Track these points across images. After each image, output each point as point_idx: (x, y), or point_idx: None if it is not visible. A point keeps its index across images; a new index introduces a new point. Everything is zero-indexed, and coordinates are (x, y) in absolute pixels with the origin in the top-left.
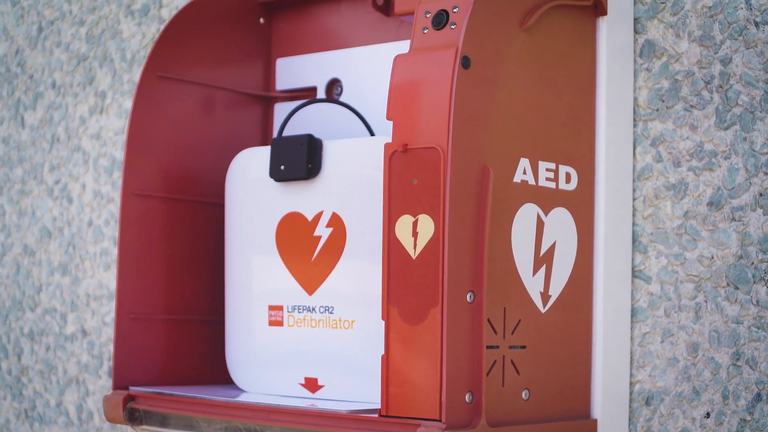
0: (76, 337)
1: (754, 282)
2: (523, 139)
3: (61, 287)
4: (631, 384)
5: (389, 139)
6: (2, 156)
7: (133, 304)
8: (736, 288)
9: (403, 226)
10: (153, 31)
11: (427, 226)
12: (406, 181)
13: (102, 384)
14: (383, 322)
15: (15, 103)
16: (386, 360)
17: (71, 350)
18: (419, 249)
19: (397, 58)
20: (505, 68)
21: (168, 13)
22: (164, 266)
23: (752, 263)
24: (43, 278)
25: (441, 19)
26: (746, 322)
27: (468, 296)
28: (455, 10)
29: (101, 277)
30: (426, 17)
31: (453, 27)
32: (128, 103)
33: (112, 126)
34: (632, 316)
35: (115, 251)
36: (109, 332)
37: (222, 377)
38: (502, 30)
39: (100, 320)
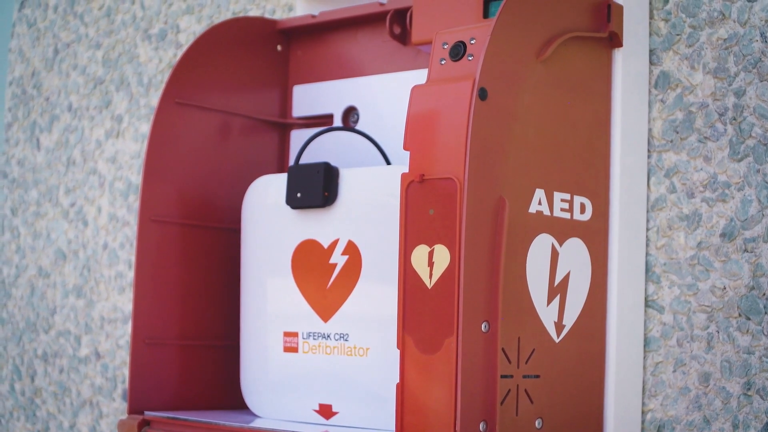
0: (90, 359)
1: (766, 313)
2: (539, 170)
3: (75, 310)
4: (643, 413)
5: (405, 168)
6: (18, 178)
7: (148, 329)
8: (748, 319)
9: (419, 255)
10: (170, 55)
11: (442, 256)
12: (423, 211)
13: (116, 407)
14: (398, 350)
15: (31, 125)
16: (401, 388)
17: (85, 372)
18: (435, 279)
19: (415, 89)
20: (521, 99)
21: (185, 39)
22: (180, 292)
23: (764, 294)
24: (57, 300)
25: (458, 51)
26: (758, 352)
27: (483, 326)
28: (472, 42)
29: (116, 300)
30: (443, 48)
31: (470, 58)
32: (145, 127)
33: (128, 150)
34: (645, 345)
35: (129, 275)
36: (123, 355)
37: (236, 402)
38: (518, 61)
39: (114, 343)
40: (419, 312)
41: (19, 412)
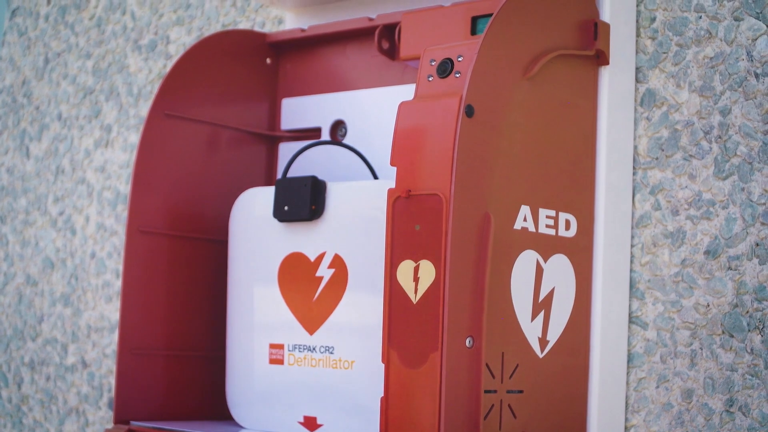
0: (76, 368)
1: (749, 330)
2: (524, 187)
3: (62, 318)
4: (626, 428)
5: (392, 183)
6: (6, 186)
7: (135, 339)
8: (731, 336)
9: (405, 270)
10: (159, 66)
11: (428, 271)
12: (409, 226)
13: (102, 415)
14: (383, 365)
15: (20, 134)
16: (385, 402)
17: (71, 381)
18: (420, 294)
19: (402, 105)
20: (507, 117)
21: (175, 49)
22: (167, 302)
23: (747, 312)
24: (45, 308)
25: (446, 68)
26: (740, 369)
27: (467, 341)
28: (460, 59)
29: (103, 309)
30: (431, 65)
31: (457, 75)
32: (134, 137)
33: (117, 159)
34: (628, 361)
35: (117, 284)
36: (110, 364)
37: (222, 413)
38: (505, 79)
39: (101, 352)
40: (404, 326)
41: (6, 419)
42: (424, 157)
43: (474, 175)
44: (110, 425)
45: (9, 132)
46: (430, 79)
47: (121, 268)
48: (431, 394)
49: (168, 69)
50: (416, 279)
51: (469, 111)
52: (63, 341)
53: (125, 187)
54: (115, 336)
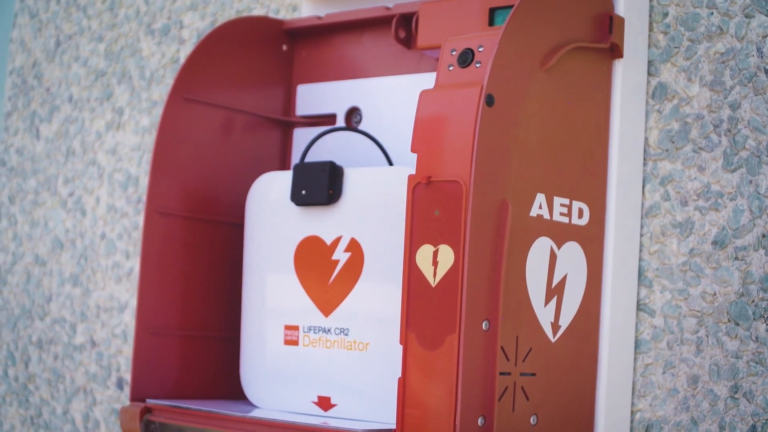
0: (84, 347)
1: (754, 319)
2: (540, 175)
3: (71, 298)
4: (633, 413)
5: (409, 169)
6: (16, 166)
7: (151, 319)
8: (737, 324)
9: (424, 255)
10: (172, 50)
11: (447, 256)
12: (428, 212)
13: (110, 394)
14: (397, 346)
15: (30, 115)
16: (403, 383)
17: (79, 360)
18: (438, 278)
19: (423, 94)
20: (525, 106)
21: (188, 34)
22: (183, 283)
23: (753, 301)
24: (53, 288)
25: (466, 58)
26: (745, 357)
27: (484, 324)
28: (480, 50)
29: (112, 289)
30: (452, 55)
31: (478, 66)
32: (145, 120)
33: (129, 142)
34: (636, 347)
35: (127, 264)
36: (119, 344)
37: (236, 393)
38: (524, 70)
39: (110, 332)
40: (422, 309)
41: (12, 397)
42: (445, 144)
43: (492, 162)
44: (118, 404)
45: (19, 113)
46: (451, 68)
47: (131, 248)
48: (448, 375)
49: (181, 54)
50: (435, 263)
51: (489, 100)
52: (71, 321)
53: (136, 170)
54: (125, 316)
